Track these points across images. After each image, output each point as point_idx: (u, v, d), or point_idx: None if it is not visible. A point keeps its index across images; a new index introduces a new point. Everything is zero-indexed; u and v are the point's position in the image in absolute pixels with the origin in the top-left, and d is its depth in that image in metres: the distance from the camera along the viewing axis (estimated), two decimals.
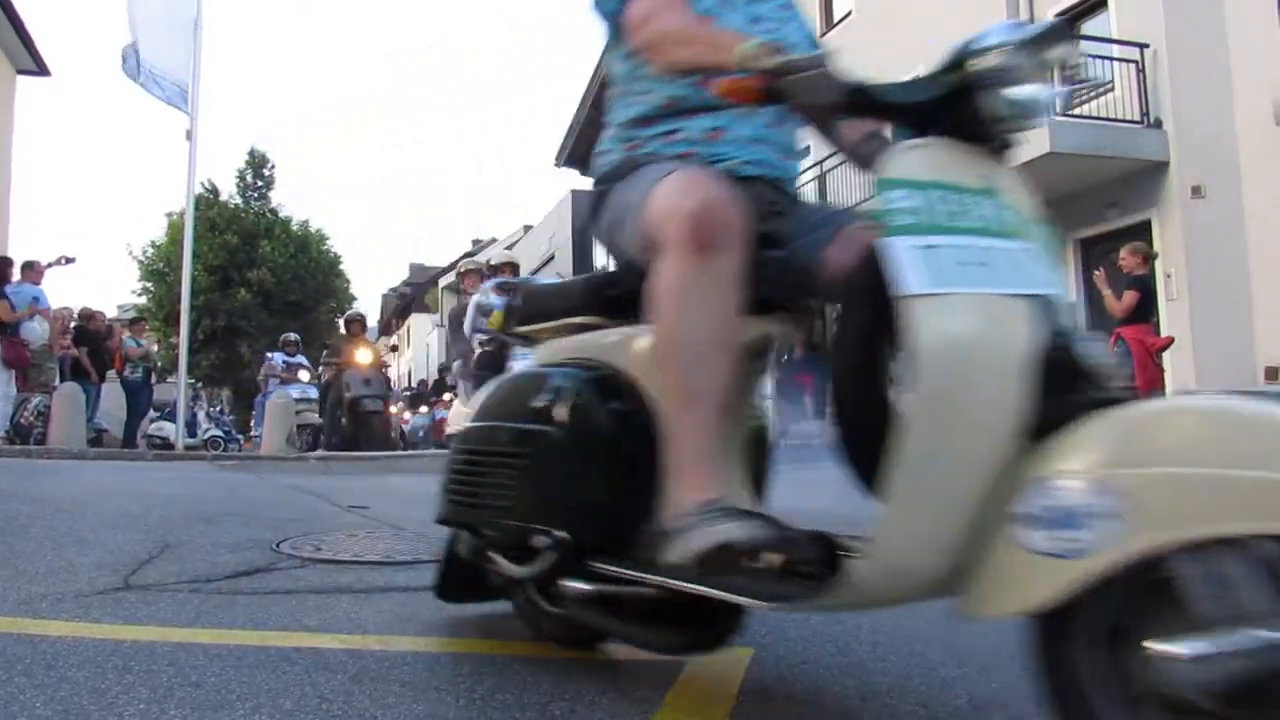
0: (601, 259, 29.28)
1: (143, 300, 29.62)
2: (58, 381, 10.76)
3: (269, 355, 15.05)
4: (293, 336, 14.82)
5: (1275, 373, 10.69)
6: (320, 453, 10.73)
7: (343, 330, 15.45)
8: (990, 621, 1.28)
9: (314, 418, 12.81)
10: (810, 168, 17.19)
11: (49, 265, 11.00)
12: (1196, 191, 11.22)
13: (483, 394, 2.25)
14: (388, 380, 13.56)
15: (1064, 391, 1.33)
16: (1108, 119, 11.51)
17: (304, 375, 13.72)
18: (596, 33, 2.05)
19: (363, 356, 11.84)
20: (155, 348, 14.75)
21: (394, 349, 19.63)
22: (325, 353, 14.62)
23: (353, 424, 11.38)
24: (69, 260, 11.12)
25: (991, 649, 2.11)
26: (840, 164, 15.39)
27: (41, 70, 18.63)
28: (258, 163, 31.70)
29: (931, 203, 1.42)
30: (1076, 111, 11.98)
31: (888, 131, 1.93)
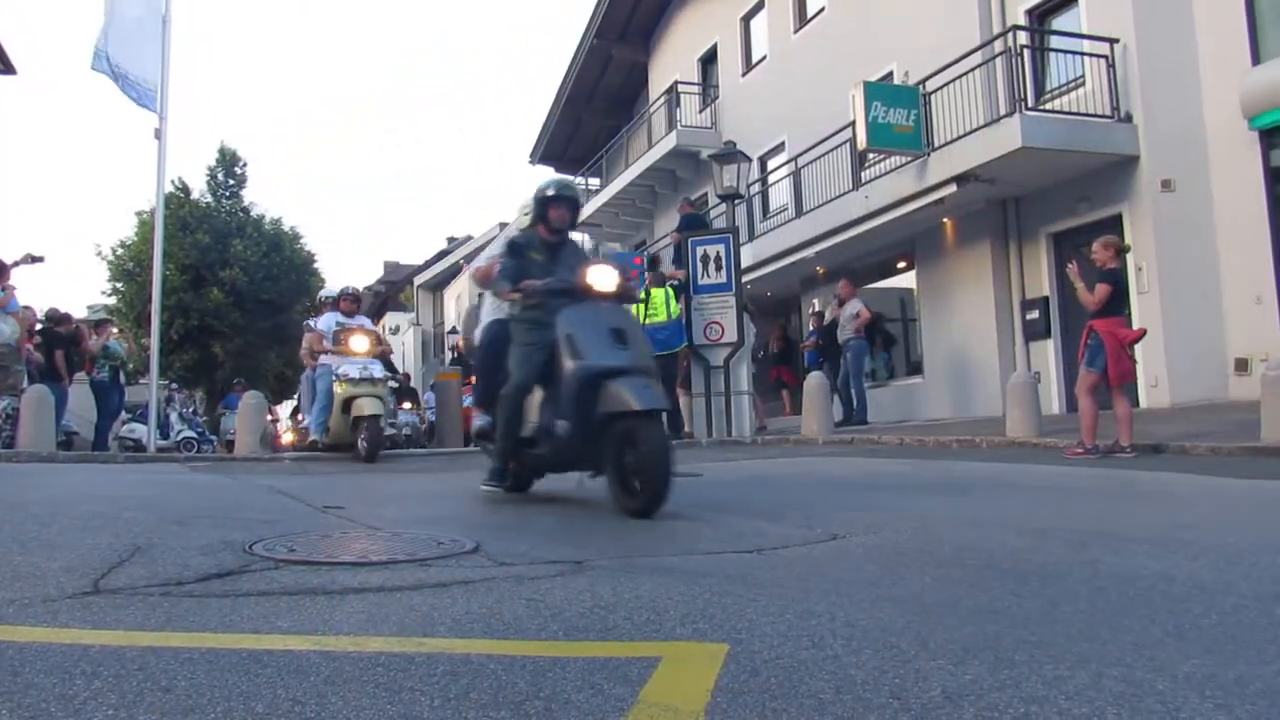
0: None
1: (113, 300, 29.31)
2: (25, 384, 10.61)
3: (310, 322, 10.98)
4: (351, 288, 10.58)
5: (1244, 364, 10.83)
6: (294, 453, 10.53)
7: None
8: None
9: (377, 406, 9.14)
10: (785, 164, 17.26)
11: (15, 264, 10.83)
12: (1167, 185, 11.34)
13: None
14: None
15: None
16: (1078, 114, 11.61)
17: (361, 344, 9.48)
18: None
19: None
20: (125, 346, 14.21)
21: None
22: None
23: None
24: (36, 259, 10.94)
25: (965, 640, 2.13)
26: (811, 163, 15.46)
27: (7, 69, 18.39)
28: (229, 161, 31.41)
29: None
30: (1048, 106, 12.09)
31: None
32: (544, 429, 4.71)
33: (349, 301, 10.24)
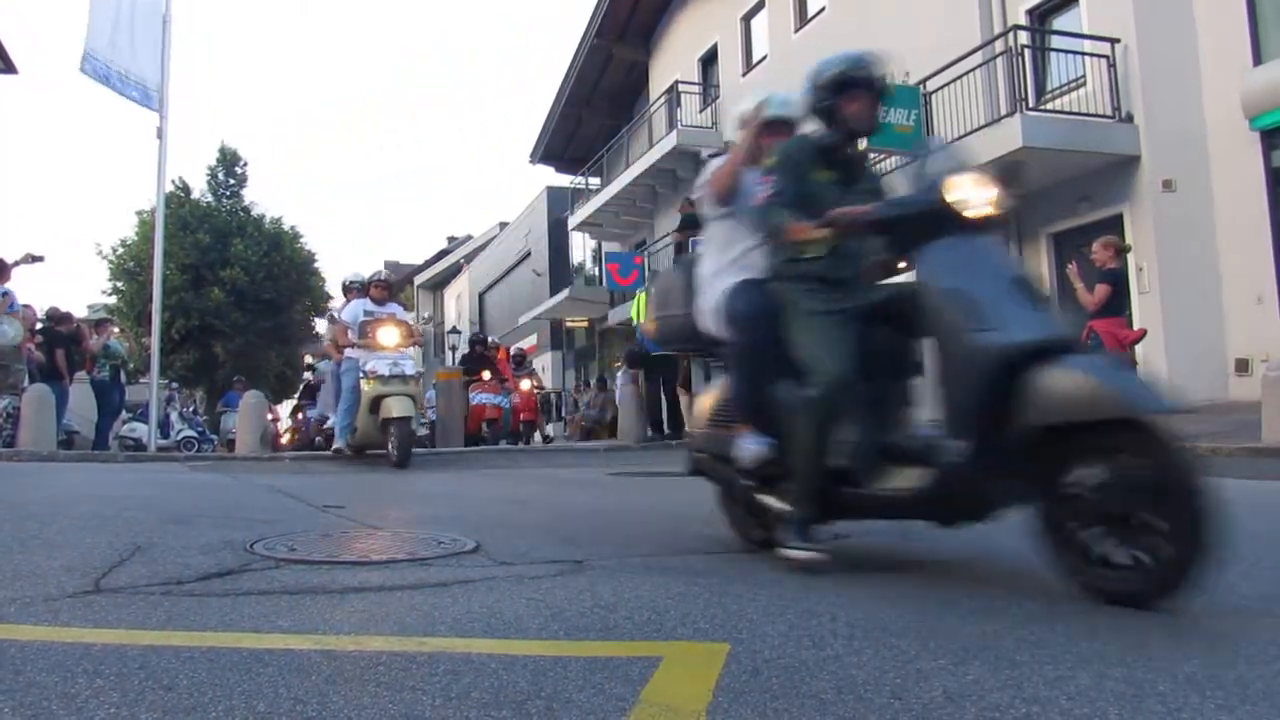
0: (578, 254, 29.29)
1: (113, 300, 29.32)
2: (26, 383, 10.61)
3: (333, 312, 10.22)
4: (383, 273, 9.54)
5: (1245, 364, 10.83)
6: (293, 453, 10.53)
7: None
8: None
9: (408, 407, 8.24)
10: None
11: (15, 264, 10.82)
12: (1167, 185, 11.34)
13: None
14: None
15: None
16: (1079, 114, 11.60)
17: (391, 336, 8.56)
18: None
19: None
20: (125, 345, 14.20)
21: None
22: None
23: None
24: (36, 258, 10.92)
25: (966, 640, 2.12)
26: None
27: (8, 68, 18.40)
28: (229, 160, 31.42)
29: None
30: (1048, 106, 12.09)
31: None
32: (865, 452, 3.02)
33: (380, 288, 9.13)
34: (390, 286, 9.40)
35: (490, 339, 17.98)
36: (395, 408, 8.13)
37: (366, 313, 8.72)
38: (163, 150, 10.96)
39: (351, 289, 9.70)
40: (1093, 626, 2.27)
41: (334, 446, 8.81)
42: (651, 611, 2.42)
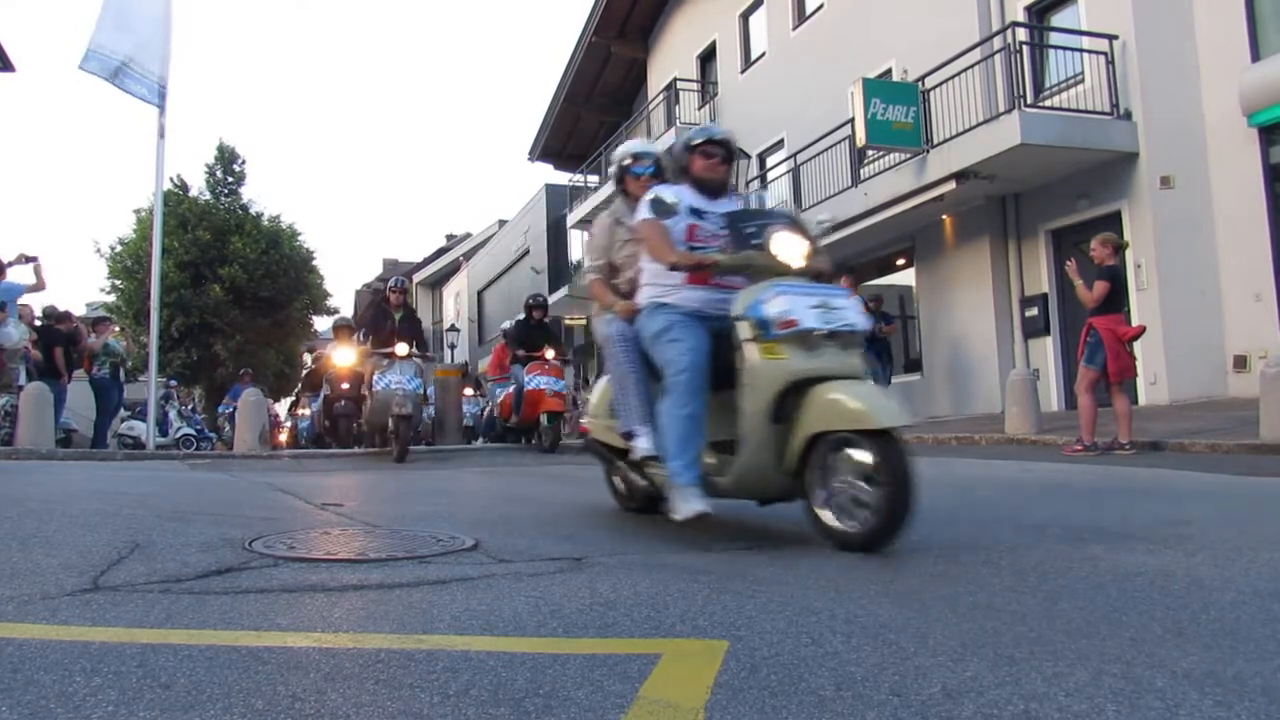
0: (576, 252, 29.28)
1: (112, 298, 29.25)
2: (23, 380, 10.60)
3: (620, 208, 4.62)
4: (719, 134, 4.21)
5: (1243, 361, 10.84)
6: (291, 450, 10.49)
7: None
8: None
9: (892, 411, 3.22)
10: (784, 160, 17.25)
11: (10, 264, 10.80)
12: (1166, 182, 11.35)
13: None
14: None
15: None
16: (1078, 110, 11.61)
17: (793, 246, 3.59)
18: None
19: None
20: (124, 344, 14.17)
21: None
22: None
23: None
24: (30, 259, 10.91)
25: (965, 637, 2.13)
26: (811, 159, 15.44)
27: (6, 66, 18.37)
28: (227, 158, 31.34)
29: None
30: (1047, 103, 12.09)
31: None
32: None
33: (710, 158, 4.14)
34: (731, 157, 4.29)
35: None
36: (876, 413, 3.24)
37: (693, 210, 4.00)
38: (161, 147, 10.94)
39: (636, 175, 4.61)
40: (1091, 623, 2.27)
41: (680, 515, 3.57)
42: (650, 609, 2.42)
